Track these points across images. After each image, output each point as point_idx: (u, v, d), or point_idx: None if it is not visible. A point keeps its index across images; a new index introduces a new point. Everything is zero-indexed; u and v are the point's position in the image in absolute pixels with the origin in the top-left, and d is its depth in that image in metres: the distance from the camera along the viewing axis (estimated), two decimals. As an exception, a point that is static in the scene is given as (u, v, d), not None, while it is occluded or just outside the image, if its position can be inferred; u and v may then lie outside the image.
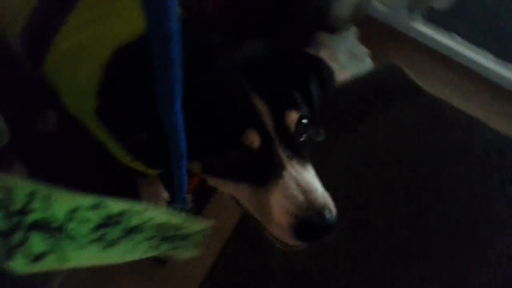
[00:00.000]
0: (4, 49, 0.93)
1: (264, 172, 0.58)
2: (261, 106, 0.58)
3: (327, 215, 0.56)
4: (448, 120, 1.59)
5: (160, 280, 1.24)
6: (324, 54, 1.59)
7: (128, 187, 1.31)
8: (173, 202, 0.66)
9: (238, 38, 0.68)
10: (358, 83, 1.53)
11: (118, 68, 0.74)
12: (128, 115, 0.70)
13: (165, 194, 1.32)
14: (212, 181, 0.67)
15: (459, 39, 1.78)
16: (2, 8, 0.86)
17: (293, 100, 0.62)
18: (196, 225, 0.59)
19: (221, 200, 1.35)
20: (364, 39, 1.63)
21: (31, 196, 0.39)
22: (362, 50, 1.59)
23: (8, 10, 0.85)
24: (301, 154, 0.60)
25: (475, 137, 1.57)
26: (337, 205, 0.60)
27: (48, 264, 0.40)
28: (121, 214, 0.50)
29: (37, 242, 0.39)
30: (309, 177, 0.58)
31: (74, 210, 0.44)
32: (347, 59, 1.55)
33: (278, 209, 0.57)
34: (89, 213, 0.45)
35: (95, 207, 0.47)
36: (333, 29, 1.68)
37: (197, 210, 1.23)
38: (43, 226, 0.40)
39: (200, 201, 1.35)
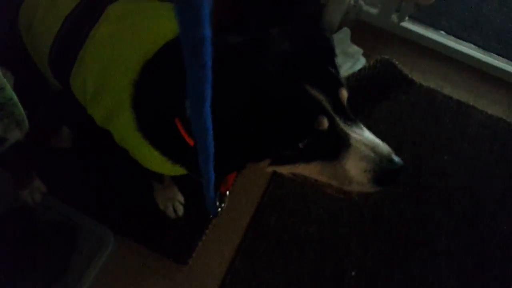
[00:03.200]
0: (33, 66, 0.99)
1: (335, 147, 0.66)
2: (317, 93, 0.64)
3: (396, 159, 0.65)
4: (440, 107, 1.69)
5: (181, 279, 1.28)
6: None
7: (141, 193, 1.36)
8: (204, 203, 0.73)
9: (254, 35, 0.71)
10: (355, 79, 1.62)
11: (148, 81, 0.78)
12: (164, 121, 0.75)
13: (180, 197, 1.37)
14: (278, 169, 0.73)
15: (444, 33, 1.90)
16: (36, 28, 0.92)
17: (337, 78, 0.68)
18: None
19: (235, 195, 1.41)
20: (356, 39, 1.73)
21: None
22: (356, 49, 1.68)
23: (39, 29, 0.91)
24: (354, 119, 0.67)
25: (467, 120, 1.67)
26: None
27: None
28: None
29: None
30: (369, 134, 0.67)
31: None
32: (342, 59, 1.64)
33: (356, 172, 0.65)
34: None
35: None
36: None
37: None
38: None
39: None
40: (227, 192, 0.92)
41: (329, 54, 0.74)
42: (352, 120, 0.67)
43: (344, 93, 0.67)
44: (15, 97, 0.86)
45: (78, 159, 1.43)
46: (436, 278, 1.34)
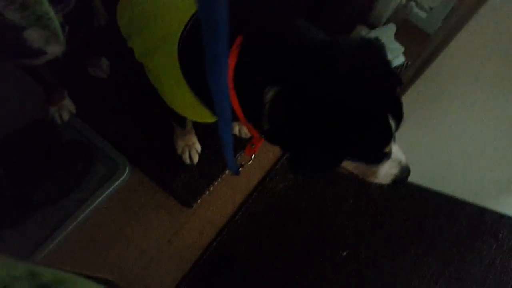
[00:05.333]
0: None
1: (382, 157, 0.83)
2: (392, 121, 0.74)
3: (409, 168, 0.86)
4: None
5: (183, 219, 1.35)
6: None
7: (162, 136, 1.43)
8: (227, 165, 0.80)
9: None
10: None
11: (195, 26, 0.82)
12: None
13: (198, 146, 1.43)
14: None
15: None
16: None
17: (401, 107, 0.76)
18: None
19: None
20: (400, 37, 1.73)
21: None
22: (397, 46, 1.68)
23: None
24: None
25: None
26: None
27: None
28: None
29: None
30: (400, 151, 0.84)
31: None
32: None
33: (385, 175, 0.85)
34: None
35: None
36: (373, 25, 1.78)
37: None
38: None
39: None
40: (253, 156, 0.96)
41: (395, 80, 0.78)
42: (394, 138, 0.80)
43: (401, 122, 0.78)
44: (52, 13, 0.91)
45: (110, 89, 1.50)
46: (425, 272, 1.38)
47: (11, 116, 1.38)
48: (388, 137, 0.76)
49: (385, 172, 0.84)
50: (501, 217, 1.50)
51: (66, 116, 1.41)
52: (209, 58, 0.43)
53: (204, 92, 0.86)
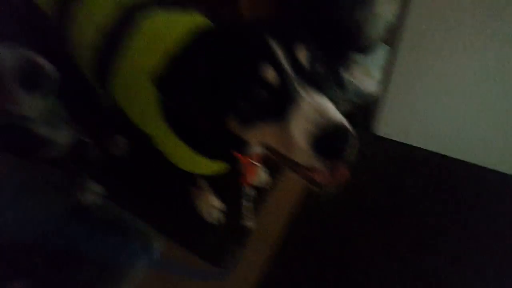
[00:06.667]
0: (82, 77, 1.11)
1: (284, 105, 0.63)
2: (274, 45, 0.65)
3: (342, 129, 0.59)
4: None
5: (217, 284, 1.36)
6: (358, 71, 1.70)
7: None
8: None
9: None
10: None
11: (169, 76, 0.82)
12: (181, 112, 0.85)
13: (217, 203, 1.47)
14: (247, 134, 0.74)
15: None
16: (78, 42, 1.03)
17: (302, 37, 0.68)
18: None
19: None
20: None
21: None
22: (378, 75, 1.68)
23: (84, 43, 1.03)
24: (319, 87, 0.65)
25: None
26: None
27: None
28: None
29: None
30: (324, 102, 0.62)
31: None
32: (381, 74, 1.65)
33: (297, 133, 0.61)
34: None
35: None
36: (365, 48, 1.80)
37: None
38: None
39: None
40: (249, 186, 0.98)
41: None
42: (314, 86, 0.65)
43: (302, 50, 0.66)
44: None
45: (131, 165, 1.60)
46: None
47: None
48: (253, 57, 0.65)
49: (298, 130, 0.61)
50: None
51: (93, 198, 1.52)
52: None
53: (185, 130, 0.92)
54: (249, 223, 0.97)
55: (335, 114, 0.60)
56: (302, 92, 0.62)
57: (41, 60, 0.88)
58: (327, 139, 0.59)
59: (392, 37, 1.77)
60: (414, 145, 1.60)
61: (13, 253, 1.42)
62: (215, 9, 1.09)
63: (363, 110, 1.67)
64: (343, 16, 1.71)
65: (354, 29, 1.76)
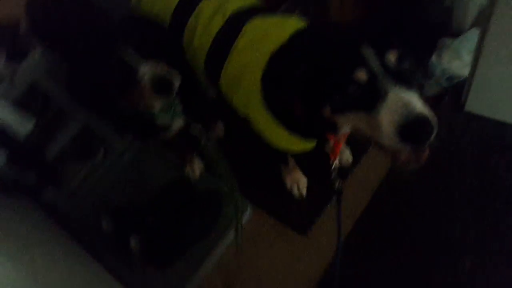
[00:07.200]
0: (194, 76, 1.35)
1: (374, 100, 0.74)
2: (367, 51, 0.76)
3: (424, 114, 0.69)
4: None
5: (302, 247, 1.51)
6: (448, 55, 1.70)
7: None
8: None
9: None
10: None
11: (272, 71, 1.01)
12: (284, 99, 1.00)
13: (303, 180, 1.61)
14: (340, 120, 0.86)
15: None
16: (194, 49, 1.26)
17: (392, 38, 0.78)
18: None
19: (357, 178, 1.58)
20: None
21: None
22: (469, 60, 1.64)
23: (200, 49, 1.25)
24: (407, 84, 0.74)
25: None
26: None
27: None
28: None
29: None
30: (411, 96, 0.72)
31: None
32: (471, 57, 1.62)
33: (385, 122, 0.73)
34: None
35: None
36: (457, 33, 1.78)
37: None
38: None
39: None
40: (336, 161, 1.09)
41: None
42: (402, 82, 0.74)
43: (392, 54, 0.76)
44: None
45: (227, 145, 1.80)
46: None
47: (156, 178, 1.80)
48: (349, 64, 0.76)
49: (386, 120, 0.72)
50: None
51: (197, 172, 1.77)
52: None
53: (288, 122, 1.07)
54: (338, 191, 1.08)
55: (419, 106, 0.71)
56: (390, 89, 0.73)
57: (169, 69, 1.10)
58: (411, 128, 0.69)
59: (483, 20, 1.74)
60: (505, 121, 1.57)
61: (130, 213, 1.71)
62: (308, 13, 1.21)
63: (453, 89, 1.68)
64: (433, 6, 1.72)
65: (445, 16, 1.77)
